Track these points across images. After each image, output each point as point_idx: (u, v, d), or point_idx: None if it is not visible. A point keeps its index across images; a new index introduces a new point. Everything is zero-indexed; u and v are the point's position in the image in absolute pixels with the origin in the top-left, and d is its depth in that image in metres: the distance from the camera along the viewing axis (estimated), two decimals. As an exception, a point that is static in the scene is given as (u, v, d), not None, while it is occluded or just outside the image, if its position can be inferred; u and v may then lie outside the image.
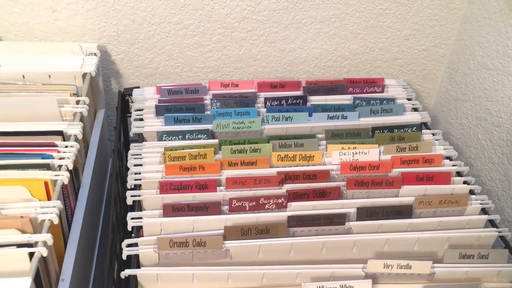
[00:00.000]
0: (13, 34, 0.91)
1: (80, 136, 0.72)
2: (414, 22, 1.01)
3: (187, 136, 0.79)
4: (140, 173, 0.72)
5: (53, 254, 0.60)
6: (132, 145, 0.77)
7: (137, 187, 0.70)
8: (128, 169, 0.73)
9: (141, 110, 0.85)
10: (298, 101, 0.87)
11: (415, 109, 0.90)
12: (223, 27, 0.96)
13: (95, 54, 0.88)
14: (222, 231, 0.65)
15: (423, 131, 0.84)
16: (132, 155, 0.75)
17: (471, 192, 0.74)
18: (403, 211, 0.69)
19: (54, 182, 0.63)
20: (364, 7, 0.97)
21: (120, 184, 0.85)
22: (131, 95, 0.90)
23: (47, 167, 0.64)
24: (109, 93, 1.01)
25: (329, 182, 0.72)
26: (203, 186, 0.70)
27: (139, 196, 0.69)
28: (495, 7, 0.90)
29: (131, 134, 0.81)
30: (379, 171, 0.74)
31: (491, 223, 0.71)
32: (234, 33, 0.97)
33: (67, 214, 0.68)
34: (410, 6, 0.98)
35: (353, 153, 0.76)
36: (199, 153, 0.74)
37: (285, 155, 0.75)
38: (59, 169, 0.65)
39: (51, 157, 0.66)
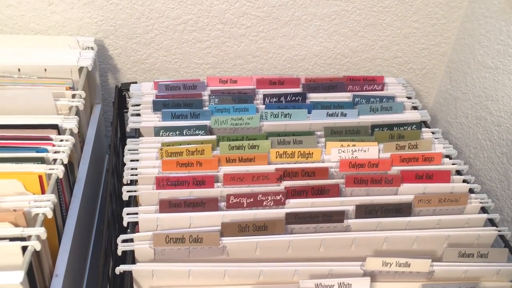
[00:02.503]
0: (9, 27, 0.90)
1: (75, 130, 0.71)
2: (415, 20, 1.00)
3: (184, 132, 0.78)
4: (136, 169, 0.71)
5: (47, 249, 0.59)
6: (128, 140, 0.76)
7: (133, 182, 0.69)
8: (124, 164, 0.72)
9: (138, 105, 0.84)
10: (297, 98, 0.86)
11: (415, 108, 0.89)
12: (222, 22, 0.95)
13: (92, 48, 0.87)
14: (219, 228, 0.64)
15: (423, 129, 0.84)
16: (129, 150, 0.74)
17: (471, 191, 0.73)
18: (402, 209, 0.69)
19: (49, 176, 0.62)
20: (364, 5, 0.96)
21: (116, 180, 0.84)
22: (128, 90, 0.89)
23: (42, 160, 0.63)
24: (105, 88, 1.00)
25: (328, 180, 0.72)
26: (200, 182, 0.69)
27: (135, 191, 0.68)
28: (496, 5, 0.89)
29: (128, 130, 0.80)
30: (378, 169, 0.74)
31: (491, 222, 0.71)
32: (233, 29, 0.96)
33: (61, 209, 0.67)
34: (410, 4, 0.98)
35: (352, 150, 0.75)
36: (196, 149, 0.73)
37: (284, 152, 0.74)
38: (54, 163, 0.64)
39: (46, 150, 0.65)
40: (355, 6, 0.96)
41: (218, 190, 0.68)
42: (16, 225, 0.54)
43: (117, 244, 0.62)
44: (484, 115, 0.93)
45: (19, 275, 0.49)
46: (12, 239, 0.52)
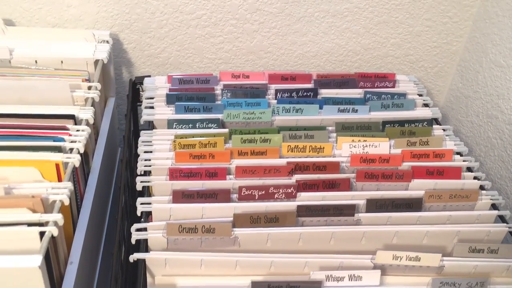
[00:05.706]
0: (26, 20, 0.91)
1: (91, 121, 0.72)
2: (427, 19, 1.00)
3: (197, 125, 0.79)
4: (150, 160, 0.72)
5: (62, 237, 0.61)
6: (142, 132, 0.77)
7: (146, 173, 0.70)
8: (138, 156, 0.73)
9: (152, 98, 0.85)
10: (309, 94, 0.87)
11: (426, 105, 0.90)
12: (235, 18, 0.96)
13: (107, 41, 0.88)
14: (231, 219, 0.65)
15: (434, 126, 0.84)
16: (143, 141, 0.75)
17: (482, 187, 0.74)
18: (412, 204, 0.69)
19: (65, 164, 0.63)
20: (377, 2, 0.97)
21: (129, 173, 0.85)
22: (142, 84, 0.90)
23: (59, 149, 0.64)
24: (119, 82, 1.02)
25: (339, 174, 0.72)
26: (212, 174, 0.70)
27: (148, 182, 0.69)
28: (508, 4, 0.89)
29: (141, 122, 0.81)
30: (389, 164, 0.74)
31: (501, 219, 0.71)
32: (246, 24, 0.97)
33: (76, 198, 0.68)
34: (423, 2, 0.98)
35: (363, 145, 0.76)
36: (209, 141, 0.74)
37: (295, 146, 0.75)
38: (70, 152, 0.65)
39: (63, 140, 0.66)
40: (367, 3, 0.97)
41: (230, 182, 0.69)
42: (34, 211, 0.55)
43: (130, 233, 0.63)
44: (496, 114, 0.93)
45: (38, 259, 0.50)
46: (30, 224, 0.53)
